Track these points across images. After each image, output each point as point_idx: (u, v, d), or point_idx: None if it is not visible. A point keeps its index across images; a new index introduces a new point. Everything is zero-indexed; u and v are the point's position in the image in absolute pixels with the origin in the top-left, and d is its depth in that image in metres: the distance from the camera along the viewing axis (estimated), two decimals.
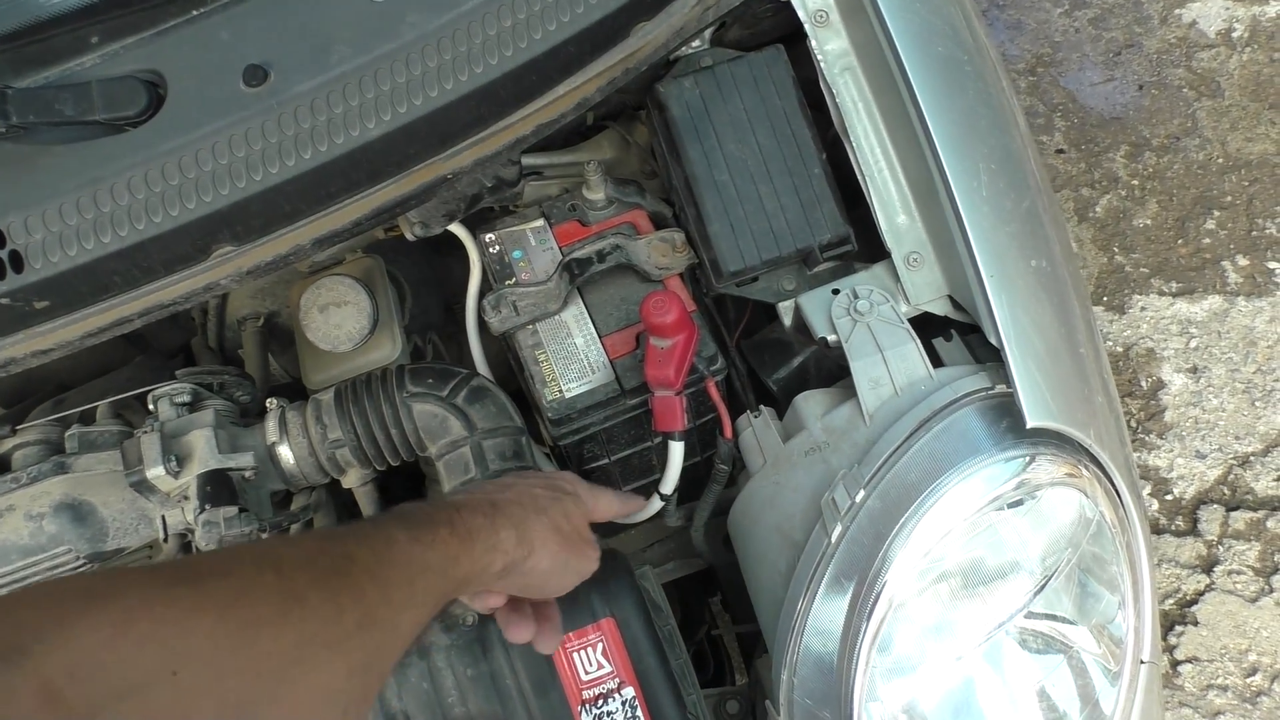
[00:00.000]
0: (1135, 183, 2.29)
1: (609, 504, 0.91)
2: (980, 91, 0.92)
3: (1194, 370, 2.08)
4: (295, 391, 1.08)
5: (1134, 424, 2.07)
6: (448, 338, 1.30)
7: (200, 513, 0.87)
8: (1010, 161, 0.91)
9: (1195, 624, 1.86)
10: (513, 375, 1.19)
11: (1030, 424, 0.83)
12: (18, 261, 0.81)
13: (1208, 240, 2.21)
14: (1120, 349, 2.13)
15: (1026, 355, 0.86)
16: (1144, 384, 2.10)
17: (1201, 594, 1.88)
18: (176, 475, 0.88)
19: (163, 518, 0.92)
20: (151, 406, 0.94)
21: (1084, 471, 0.88)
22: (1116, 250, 2.23)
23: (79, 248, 0.82)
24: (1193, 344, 2.10)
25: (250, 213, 0.85)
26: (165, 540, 0.93)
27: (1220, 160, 2.29)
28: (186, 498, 0.90)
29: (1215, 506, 1.95)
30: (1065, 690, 0.91)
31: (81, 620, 0.46)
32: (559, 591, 0.82)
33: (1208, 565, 1.91)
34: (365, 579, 0.58)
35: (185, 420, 0.92)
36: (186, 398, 0.95)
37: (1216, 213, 2.23)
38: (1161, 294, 2.17)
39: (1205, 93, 2.36)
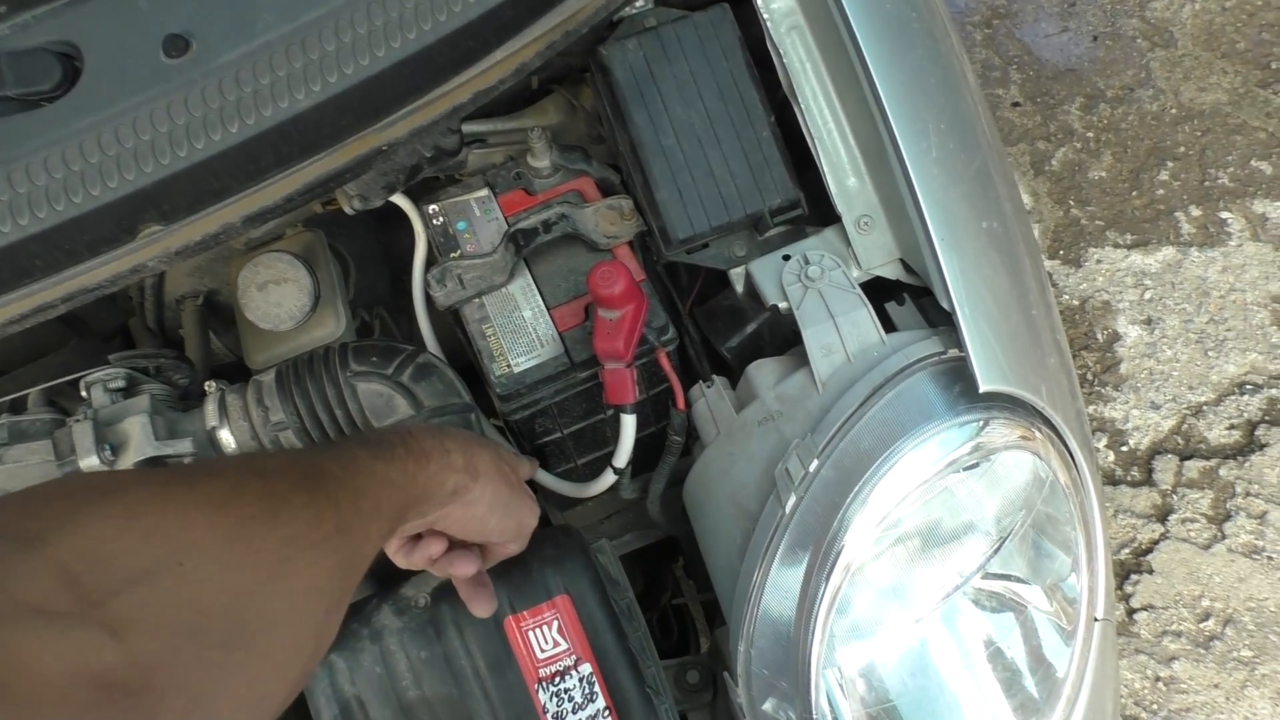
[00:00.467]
0: (1090, 135, 2.29)
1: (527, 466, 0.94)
2: (929, 49, 0.90)
3: (1148, 322, 2.10)
4: (239, 371, 1.05)
5: (1090, 376, 2.09)
6: (397, 310, 1.27)
7: None
8: (960, 121, 0.90)
9: (1150, 572, 1.89)
10: (464, 349, 1.16)
11: (983, 388, 0.83)
12: None
13: (1161, 191, 2.22)
14: (1076, 302, 2.15)
15: (978, 318, 0.85)
16: (1100, 336, 2.11)
17: (1156, 543, 1.91)
18: (112, 464, 0.85)
19: None
20: (84, 393, 0.91)
21: (1037, 434, 0.88)
22: (1072, 203, 2.23)
23: None
24: (1147, 295, 2.12)
25: (177, 190, 0.81)
26: None
27: (1174, 111, 2.29)
28: None
29: (1169, 456, 1.98)
30: (1017, 649, 0.92)
31: (92, 512, 0.49)
32: (500, 535, 0.84)
33: (1162, 514, 1.94)
34: (338, 488, 0.61)
35: (120, 407, 0.89)
36: (121, 383, 0.92)
37: (1170, 163, 2.24)
38: (1117, 246, 2.18)
39: (1159, 43, 2.36)
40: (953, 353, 0.86)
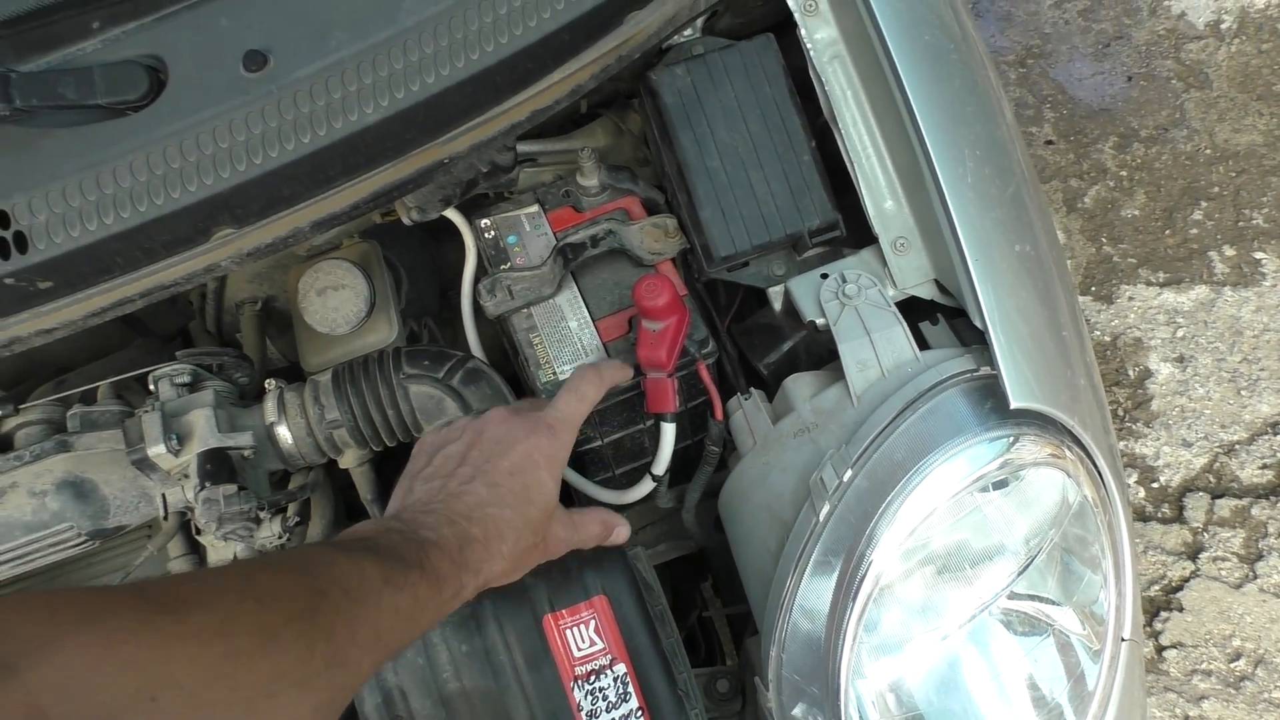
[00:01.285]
0: (1123, 173, 2.32)
1: (585, 391, 0.92)
2: (966, 79, 0.94)
3: (1180, 360, 2.11)
4: (293, 375, 1.10)
5: (1121, 412, 2.09)
6: (443, 323, 1.32)
7: (200, 490, 0.89)
8: (995, 148, 0.93)
9: (1180, 610, 1.88)
10: (507, 359, 1.20)
11: (1014, 405, 0.85)
12: (22, 242, 0.83)
13: (1195, 231, 2.24)
14: (1108, 338, 2.16)
15: (1010, 338, 0.88)
16: (1131, 373, 2.12)
17: (1187, 580, 1.90)
18: (177, 454, 0.90)
19: (163, 496, 0.94)
20: (152, 387, 0.96)
21: (1067, 452, 0.90)
22: (1104, 241, 2.25)
23: (82, 229, 0.83)
24: (1179, 333, 2.13)
25: (250, 196, 0.86)
26: (165, 518, 0.95)
27: (1208, 151, 2.31)
28: (186, 476, 0.91)
29: (1201, 494, 1.98)
30: (1051, 669, 0.94)
31: (71, 639, 0.48)
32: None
33: (1193, 552, 1.93)
34: (334, 617, 0.60)
35: (185, 400, 0.94)
36: (186, 378, 0.96)
37: (1204, 203, 2.26)
38: (1149, 284, 2.19)
39: (1193, 84, 2.38)
40: (985, 370, 0.89)
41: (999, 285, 0.89)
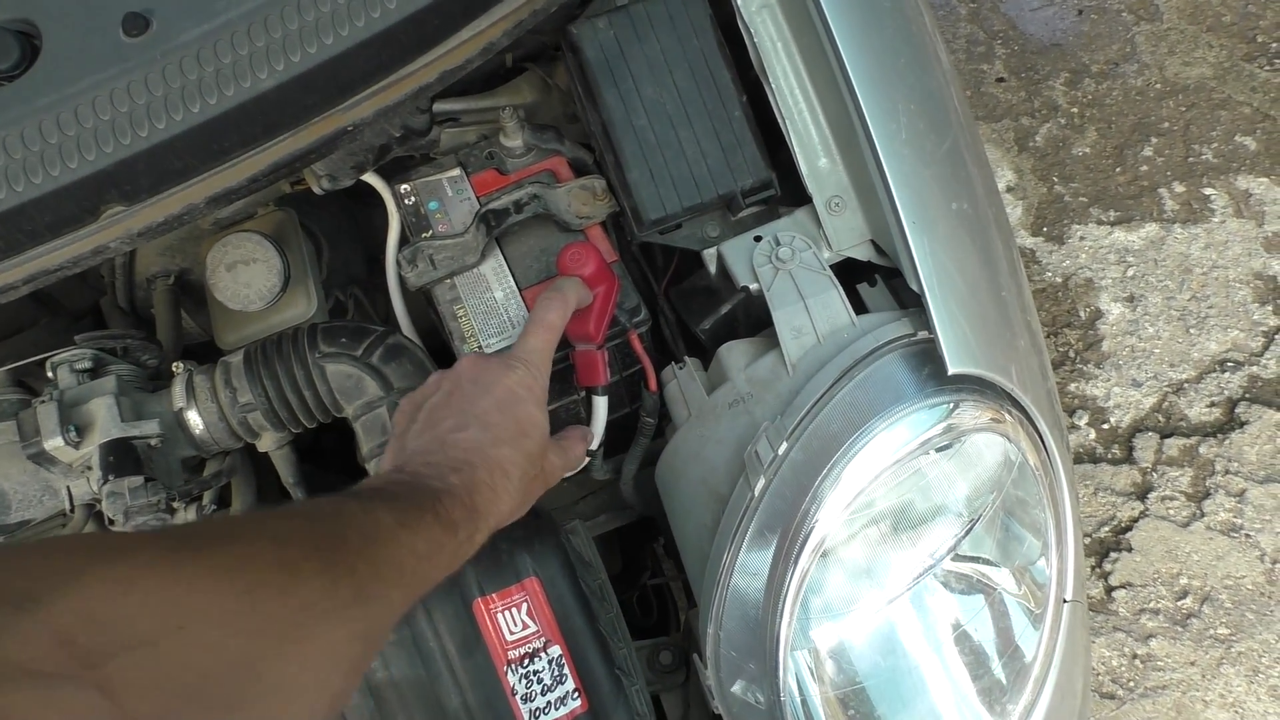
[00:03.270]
0: (1075, 110, 2.28)
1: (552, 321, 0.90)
2: (900, 27, 0.90)
3: (1131, 299, 2.10)
4: (213, 351, 1.05)
5: (1072, 354, 2.09)
6: (373, 290, 1.27)
7: (104, 483, 0.84)
8: (931, 100, 0.89)
9: (1129, 550, 1.90)
10: (437, 330, 1.16)
11: (952, 370, 0.83)
12: None
13: (1145, 168, 2.22)
14: (1059, 279, 2.14)
15: (948, 300, 0.84)
16: (1082, 314, 2.11)
17: (1136, 520, 1.92)
18: (77, 445, 0.85)
19: (68, 488, 0.89)
20: (50, 374, 0.90)
21: (1007, 416, 0.88)
22: (1056, 180, 2.23)
23: None
24: (1130, 273, 2.12)
25: (138, 171, 0.80)
26: (71, 511, 0.90)
27: (1158, 85, 2.28)
28: (90, 468, 0.86)
29: (1150, 434, 1.99)
30: (985, 631, 0.93)
31: (91, 573, 0.48)
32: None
33: (1142, 492, 1.95)
34: (354, 557, 0.60)
35: (85, 388, 0.89)
36: (87, 364, 0.91)
37: (1154, 139, 2.23)
38: (1100, 223, 2.17)
39: (1144, 16, 2.34)
40: (923, 335, 0.86)
41: (936, 246, 0.85)
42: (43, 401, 0.86)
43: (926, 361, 0.86)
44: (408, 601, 0.66)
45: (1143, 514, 1.92)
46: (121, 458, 0.85)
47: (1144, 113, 2.26)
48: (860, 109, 0.85)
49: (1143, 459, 1.97)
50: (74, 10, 0.81)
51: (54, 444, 0.84)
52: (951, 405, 0.86)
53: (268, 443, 0.96)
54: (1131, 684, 1.76)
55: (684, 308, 1.08)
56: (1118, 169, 2.22)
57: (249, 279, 0.98)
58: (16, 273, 0.81)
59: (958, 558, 0.91)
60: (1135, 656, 1.79)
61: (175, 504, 0.90)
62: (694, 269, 1.13)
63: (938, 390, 0.85)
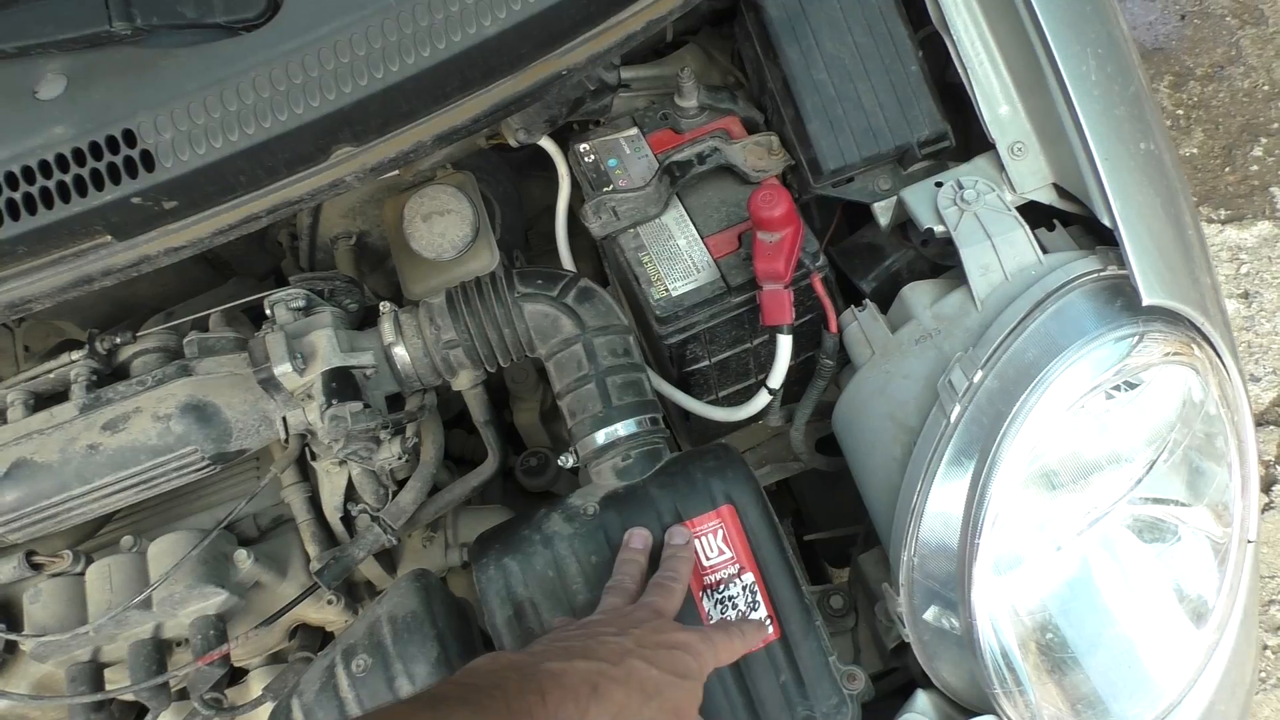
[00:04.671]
0: (1180, 113, 2.29)
1: (732, 649, 0.82)
2: None
3: (1245, 295, 2.09)
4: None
5: None
6: (529, 261, 1.32)
7: (327, 408, 0.89)
8: (1115, 47, 0.92)
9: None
10: (604, 286, 1.20)
11: (1146, 301, 0.85)
12: (149, 160, 0.83)
13: (1255, 167, 2.21)
14: None
15: (1139, 235, 0.87)
16: None
17: (1260, 514, 1.89)
18: (301, 373, 0.90)
19: (284, 419, 0.94)
20: (269, 311, 0.96)
21: (1195, 350, 0.90)
22: None
23: (207, 146, 0.83)
24: (1243, 270, 2.11)
25: (370, 112, 0.86)
26: (286, 441, 0.95)
27: (1265, 88, 2.28)
28: (310, 396, 0.91)
29: (1271, 428, 1.97)
30: (1173, 569, 0.93)
31: None
32: None
33: (1265, 485, 1.92)
34: None
35: (305, 322, 0.94)
36: (301, 303, 0.96)
37: (1263, 139, 2.23)
38: (1210, 221, 2.17)
39: (1248, 20, 2.35)
40: (1112, 269, 0.88)
41: (1125, 183, 0.88)
42: (270, 332, 0.91)
43: (1117, 295, 0.88)
44: None
45: (1266, 507, 1.90)
46: (343, 384, 0.90)
47: (1252, 114, 2.26)
48: (1051, 51, 0.88)
49: (1265, 453, 1.95)
50: None
51: (283, 369, 0.89)
52: (1138, 338, 0.88)
53: (464, 380, 1.01)
54: (1264, 674, 1.73)
55: (847, 264, 1.11)
56: (1226, 169, 2.22)
57: (443, 229, 1.03)
58: (262, 203, 0.86)
59: (1146, 500, 0.92)
60: (1266, 647, 1.76)
61: (382, 435, 0.95)
62: (846, 234, 1.16)
63: (1130, 320, 0.87)
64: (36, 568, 0.97)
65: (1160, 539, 0.93)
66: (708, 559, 0.91)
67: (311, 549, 1.02)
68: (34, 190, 0.82)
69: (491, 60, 0.87)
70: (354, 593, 1.11)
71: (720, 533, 0.91)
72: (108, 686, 0.97)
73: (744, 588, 0.91)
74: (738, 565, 0.91)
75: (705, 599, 0.90)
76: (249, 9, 0.86)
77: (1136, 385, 0.91)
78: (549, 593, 0.90)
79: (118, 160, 0.82)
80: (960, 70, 0.97)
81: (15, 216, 0.83)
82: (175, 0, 0.85)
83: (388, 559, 1.11)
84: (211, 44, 0.86)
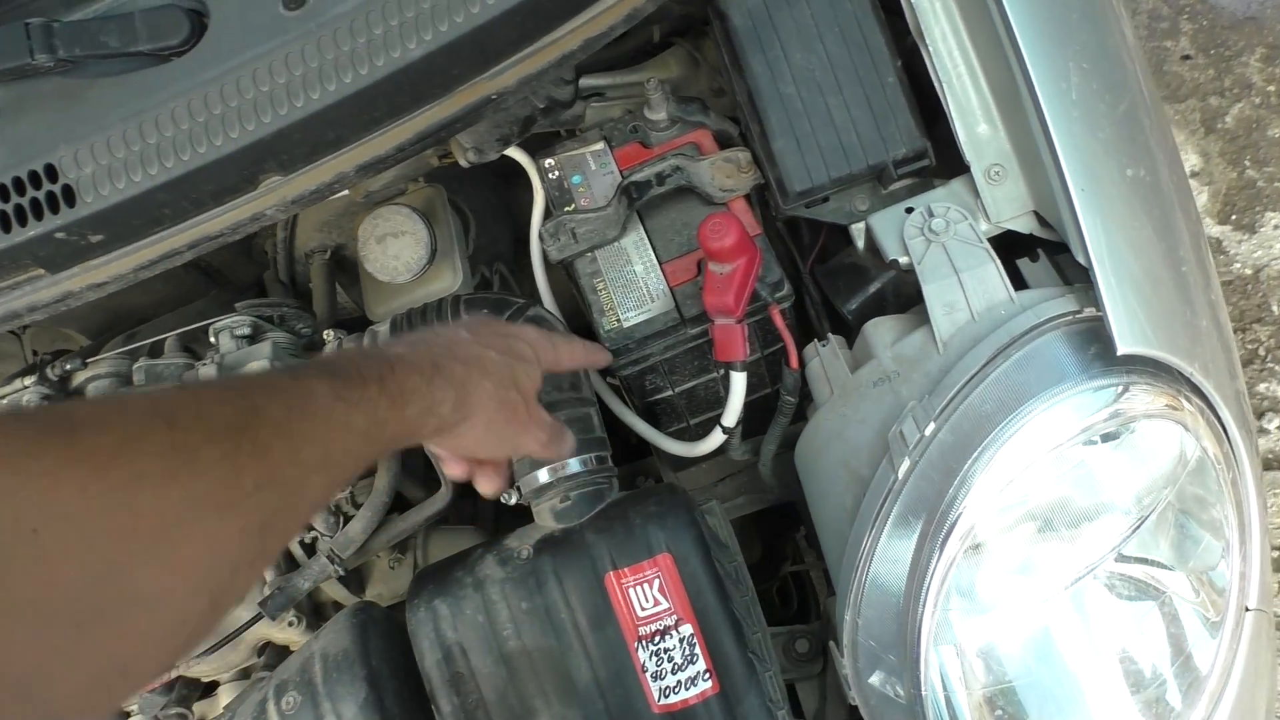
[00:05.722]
0: (1271, 89, 2.09)
1: (573, 353, 0.86)
2: None
3: None
4: (364, 325, 1.08)
5: (1263, 352, 1.92)
6: (519, 268, 1.28)
7: None
8: (1105, 60, 0.82)
9: None
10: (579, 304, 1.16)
11: (1121, 350, 0.76)
12: (70, 196, 0.82)
13: None
14: (1249, 271, 1.97)
15: (1119, 275, 0.78)
16: (1275, 309, 1.94)
17: None
18: None
19: None
20: (213, 339, 0.95)
21: (1185, 403, 0.80)
22: (1248, 164, 2.05)
23: (127, 180, 0.82)
24: None
25: (294, 140, 0.83)
26: None
27: None
28: None
29: None
30: (1155, 640, 0.85)
31: None
32: (485, 455, 0.78)
33: None
34: (272, 435, 0.53)
35: (244, 352, 0.93)
36: (246, 330, 0.95)
37: None
38: None
39: None
40: (1089, 312, 0.80)
41: (1107, 215, 0.79)
42: (204, 364, 0.90)
43: (1093, 341, 0.79)
44: (334, 485, 0.59)
45: None
46: None
47: None
48: (1024, 65, 0.79)
49: None
50: None
51: None
52: (1120, 389, 0.80)
53: None
54: None
55: (830, 286, 1.04)
56: None
57: (397, 251, 1.00)
58: (182, 238, 0.85)
59: (1124, 559, 0.84)
60: None
61: None
62: (843, 247, 1.09)
63: (1105, 371, 0.79)
64: None
65: (1137, 599, 0.85)
66: (643, 609, 0.87)
67: (267, 574, 1.02)
68: None
69: (418, 85, 0.83)
70: (320, 613, 1.10)
71: (657, 582, 0.87)
72: None
73: (681, 639, 0.87)
74: (675, 616, 0.87)
75: (640, 650, 0.86)
76: (173, 36, 0.83)
77: (1127, 433, 0.83)
78: (479, 637, 0.87)
79: (40, 195, 0.82)
80: (936, 83, 0.88)
81: None
82: (98, 29, 0.83)
83: (356, 580, 1.10)
84: (134, 74, 0.84)
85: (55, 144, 0.82)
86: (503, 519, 1.31)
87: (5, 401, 0.97)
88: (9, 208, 0.82)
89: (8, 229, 0.82)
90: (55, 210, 0.82)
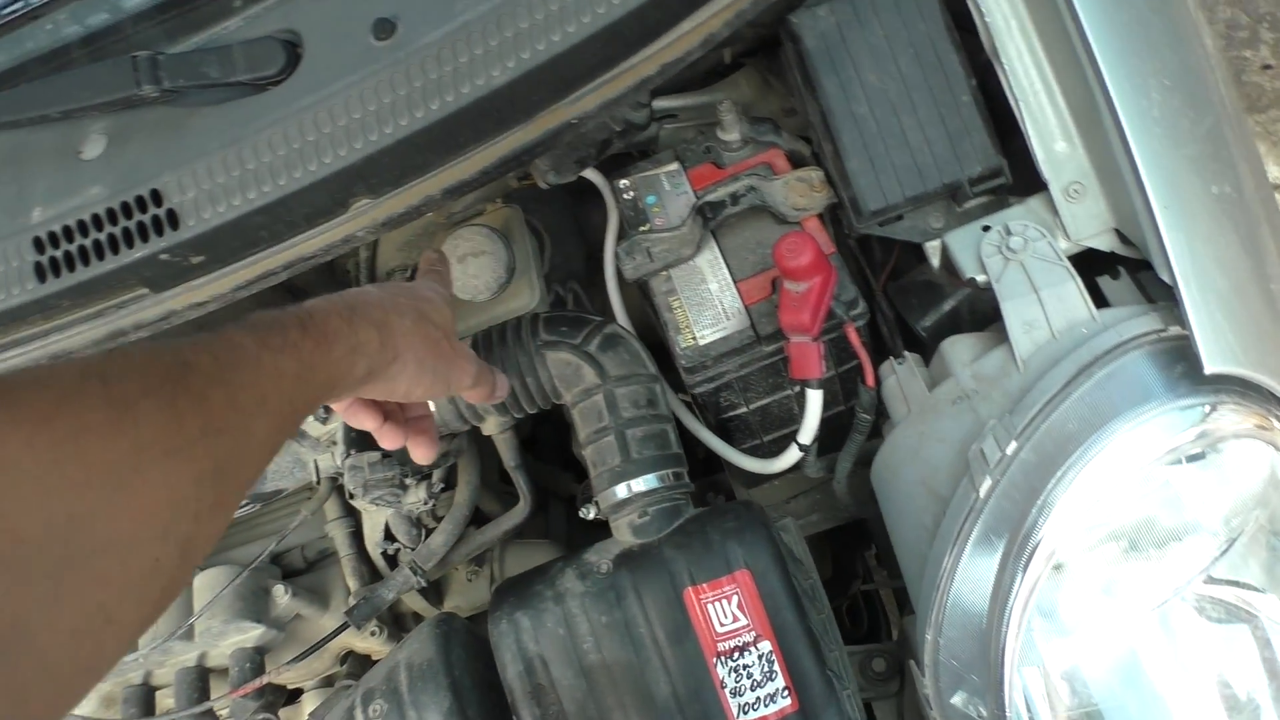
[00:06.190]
0: None
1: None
2: None
3: None
4: None
5: None
6: (591, 286, 1.30)
7: (346, 457, 0.90)
8: (1188, 76, 0.82)
9: None
10: (653, 323, 1.17)
11: (1208, 369, 0.75)
12: (174, 219, 0.86)
13: None
14: None
15: (1206, 292, 0.77)
16: None
17: None
18: (324, 421, 0.91)
19: (315, 462, 0.96)
20: None
21: (1276, 423, 0.79)
22: None
23: (227, 204, 0.85)
24: None
25: (383, 165, 0.86)
26: (318, 483, 0.98)
27: None
28: (335, 443, 0.93)
29: None
30: (1248, 664, 0.83)
31: None
32: (426, 397, 0.78)
33: None
34: (206, 385, 0.53)
35: None
36: None
37: None
38: None
39: None
40: (1174, 330, 0.79)
41: (1192, 232, 0.78)
42: None
43: (1178, 360, 0.78)
44: (278, 432, 0.59)
45: None
46: (362, 434, 0.91)
47: None
48: (1104, 82, 0.79)
49: None
50: (331, 18, 0.88)
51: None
52: (1208, 408, 0.78)
53: (491, 426, 1.00)
54: None
55: (903, 304, 1.04)
56: None
57: (477, 270, 1.03)
58: (278, 259, 0.88)
59: (1213, 581, 0.83)
60: None
61: (407, 480, 0.95)
62: (914, 265, 1.09)
63: (1192, 391, 0.78)
64: None
65: (1227, 622, 0.84)
66: (722, 625, 0.88)
67: (352, 583, 1.05)
68: (73, 248, 0.87)
69: (502, 111, 0.86)
70: (401, 623, 1.13)
71: (735, 599, 0.88)
72: (157, 711, 1.02)
73: (760, 656, 0.87)
74: (754, 633, 0.87)
75: (719, 665, 0.87)
76: (269, 66, 0.87)
77: (1214, 453, 0.82)
78: (559, 650, 0.89)
79: (146, 219, 0.86)
80: (1012, 102, 0.88)
81: (58, 274, 0.87)
82: (199, 61, 0.87)
83: (434, 592, 1.12)
84: (235, 102, 0.88)
85: (160, 170, 0.86)
86: (575, 534, 1.33)
87: None
88: (118, 230, 0.86)
89: (116, 251, 0.86)
90: (160, 233, 0.86)
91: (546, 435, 1.38)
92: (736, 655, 0.87)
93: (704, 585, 0.88)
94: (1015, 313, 0.83)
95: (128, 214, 0.86)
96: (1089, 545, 0.82)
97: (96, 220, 0.87)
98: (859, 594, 1.46)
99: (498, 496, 1.16)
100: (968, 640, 0.82)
